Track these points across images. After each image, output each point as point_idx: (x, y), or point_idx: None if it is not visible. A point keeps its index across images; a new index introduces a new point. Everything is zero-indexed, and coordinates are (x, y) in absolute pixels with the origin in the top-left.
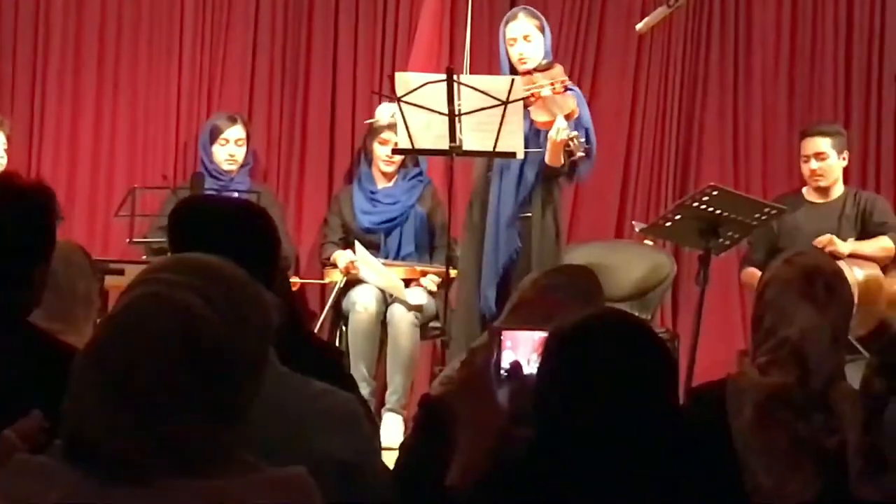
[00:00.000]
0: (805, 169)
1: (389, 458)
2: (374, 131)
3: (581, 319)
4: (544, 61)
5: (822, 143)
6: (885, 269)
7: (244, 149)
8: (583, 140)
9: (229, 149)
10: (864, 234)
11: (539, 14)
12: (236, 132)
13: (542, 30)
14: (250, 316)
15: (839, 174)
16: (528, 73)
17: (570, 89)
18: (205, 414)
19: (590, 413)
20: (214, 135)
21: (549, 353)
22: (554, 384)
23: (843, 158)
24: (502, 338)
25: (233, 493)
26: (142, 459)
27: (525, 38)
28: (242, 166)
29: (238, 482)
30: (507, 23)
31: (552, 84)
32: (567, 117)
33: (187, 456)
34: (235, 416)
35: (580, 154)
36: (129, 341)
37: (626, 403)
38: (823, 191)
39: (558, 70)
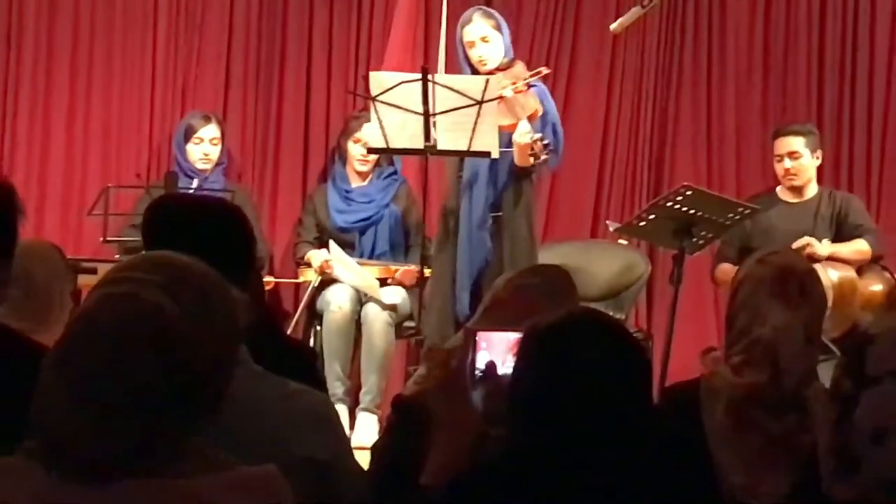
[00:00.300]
0: (779, 168)
1: (363, 458)
2: (348, 130)
3: (556, 319)
4: (505, 60)
5: (796, 143)
6: (859, 271)
7: (219, 148)
8: (546, 141)
9: (204, 147)
10: (840, 235)
11: (494, 13)
12: (211, 131)
13: (498, 29)
14: (219, 315)
15: (813, 173)
16: (490, 73)
17: (534, 85)
18: (174, 413)
19: (564, 412)
20: (189, 134)
21: (523, 352)
22: (528, 384)
23: (817, 157)
24: (477, 339)
25: (203, 491)
26: (111, 460)
27: (483, 39)
28: (217, 165)
29: (209, 480)
30: (462, 26)
31: (514, 83)
32: (530, 118)
33: (157, 455)
34: (205, 415)
35: (544, 157)
36: (97, 341)
37: (601, 403)
38: (797, 190)
39: (520, 68)
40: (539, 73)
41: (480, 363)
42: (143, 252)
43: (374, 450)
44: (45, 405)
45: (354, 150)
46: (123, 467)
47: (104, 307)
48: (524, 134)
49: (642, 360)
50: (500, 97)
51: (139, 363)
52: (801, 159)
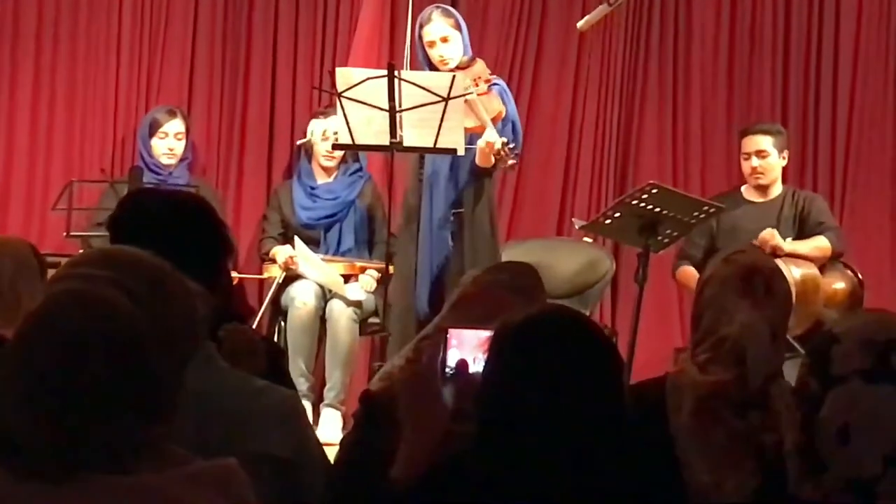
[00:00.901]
0: (745, 167)
1: (328, 454)
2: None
3: (528, 316)
4: (465, 58)
5: (764, 141)
6: (822, 269)
7: (183, 142)
8: (513, 145)
9: (168, 142)
10: (802, 234)
11: (453, 11)
12: (175, 126)
13: (458, 27)
14: (174, 307)
15: (779, 173)
16: (451, 72)
17: (495, 84)
18: (129, 409)
19: (534, 410)
20: (153, 128)
21: (495, 349)
22: (499, 380)
23: (784, 157)
24: (448, 336)
25: (162, 486)
26: (65, 457)
27: (442, 39)
28: (182, 160)
29: (167, 476)
30: (422, 26)
31: (476, 83)
32: (494, 120)
33: (112, 452)
34: (161, 410)
35: (511, 161)
36: (50, 339)
37: (572, 401)
38: (763, 190)
39: (480, 66)
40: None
41: (451, 360)
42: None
43: (342, 444)
44: (0, 405)
45: (320, 147)
46: (78, 465)
47: (55, 305)
48: (492, 138)
49: (615, 358)
50: (464, 101)
51: (93, 360)
52: (768, 158)
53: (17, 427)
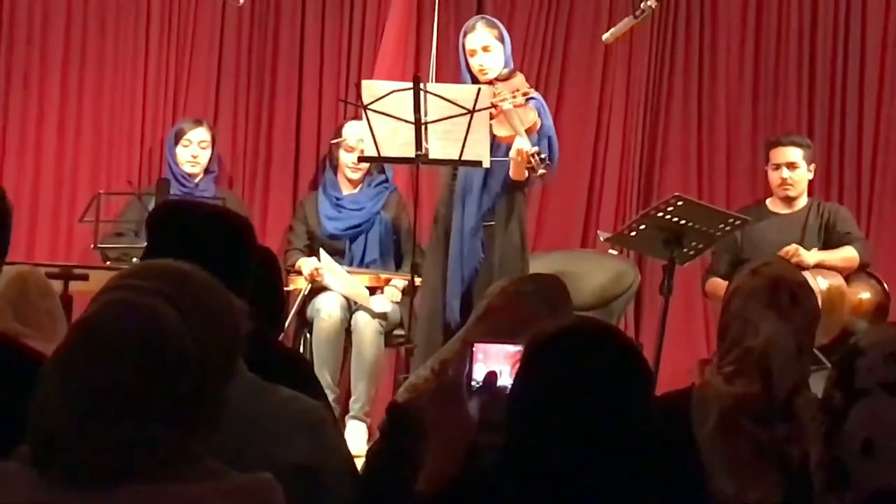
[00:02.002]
0: (775, 177)
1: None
2: (339, 137)
3: (559, 328)
4: (505, 70)
5: (795, 154)
6: (847, 279)
7: (208, 152)
8: (545, 155)
9: (192, 150)
10: (828, 244)
11: (498, 23)
12: (199, 134)
13: (501, 39)
14: (219, 323)
15: (806, 185)
16: (490, 83)
17: (532, 98)
18: (171, 421)
19: (564, 421)
20: (178, 136)
21: (526, 361)
22: (530, 392)
23: (811, 171)
24: (475, 350)
25: (200, 499)
26: (107, 465)
27: (484, 49)
28: (208, 173)
29: (204, 488)
30: (465, 34)
31: (513, 95)
32: (528, 131)
33: (153, 462)
34: (203, 423)
35: (542, 171)
36: (96, 348)
37: (601, 412)
38: (788, 202)
39: (519, 79)
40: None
41: (477, 374)
42: (144, 260)
43: (369, 455)
44: (44, 411)
45: (346, 158)
46: (121, 473)
47: (103, 314)
48: (523, 150)
49: (645, 370)
50: (500, 109)
51: (137, 370)
52: (798, 170)
53: (59, 433)
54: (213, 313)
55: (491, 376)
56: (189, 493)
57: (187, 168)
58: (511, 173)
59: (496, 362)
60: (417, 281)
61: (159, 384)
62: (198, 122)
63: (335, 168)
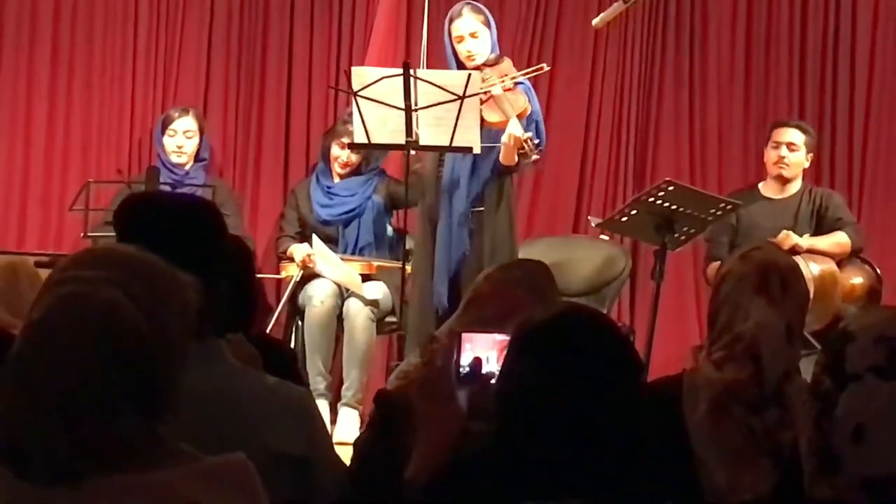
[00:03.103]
0: (772, 155)
1: (345, 453)
2: (334, 132)
3: (547, 315)
4: (492, 56)
5: (798, 136)
6: (840, 264)
7: (194, 141)
8: (536, 141)
9: (177, 140)
10: (820, 230)
11: (483, 8)
12: (185, 123)
13: (487, 24)
14: (170, 300)
15: (800, 171)
16: (478, 69)
17: (520, 83)
18: (135, 409)
19: (551, 407)
20: (165, 126)
21: (514, 348)
22: (518, 379)
23: (808, 160)
24: (462, 339)
25: (172, 483)
26: (75, 459)
27: (472, 34)
28: (198, 161)
29: (175, 473)
30: (451, 20)
31: (502, 80)
32: (519, 116)
33: (122, 451)
34: (165, 406)
35: (535, 157)
36: (51, 343)
37: (589, 399)
38: (781, 186)
39: (507, 64)
40: (540, 68)
41: (465, 363)
42: (86, 248)
43: (357, 444)
44: (6, 410)
45: (336, 152)
46: (85, 466)
47: (55, 309)
48: (514, 136)
49: (632, 357)
50: (489, 94)
51: (94, 362)
52: (797, 153)
53: (23, 432)
54: (162, 293)
55: (476, 362)
56: (161, 478)
57: (173, 158)
58: (501, 158)
59: (483, 351)
60: (409, 269)
61: (119, 375)
62: (185, 111)
63: (327, 158)
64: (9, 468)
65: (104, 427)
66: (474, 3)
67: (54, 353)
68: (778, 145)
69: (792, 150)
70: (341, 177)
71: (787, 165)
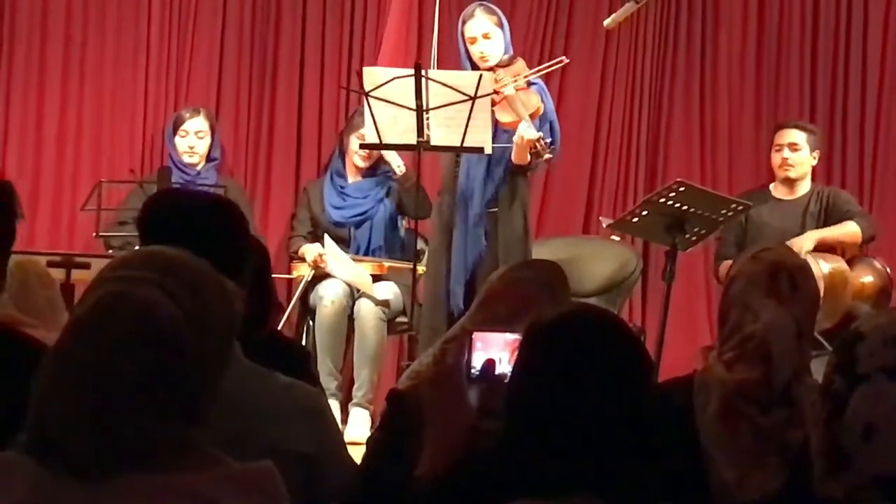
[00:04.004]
0: (776, 158)
1: (356, 453)
2: (351, 126)
3: (558, 315)
4: (505, 57)
5: (798, 135)
6: (850, 262)
7: (205, 141)
8: (549, 140)
9: (189, 140)
10: (829, 225)
11: (496, 9)
12: (196, 124)
13: (500, 25)
14: (213, 308)
15: (808, 170)
16: (491, 69)
17: (533, 83)
18: (170, 411)
19: (562, 407)
20: (176, 126)
21: (525, 348)
22: (528, 379)
23: (814, 157)
24: (473, 339)
25: (198, 488)
26: (107, 456)
27: (484, 35)
28: (210, 160)
29: (203, 477)
30: (464, 22)
31: (515, 80)
32: (532, 116)
33: (153, 451)
34: (199, 411)
35: (547, 156)
36: (92, 341)
37: (600, 398)
38: (790, 186)
39: (521, 64)
40: (561, 61)
41: (476, 362)
42: (136, 248)
43: (369, 443)
44: (41, 402)
45: (355, 145)
46: (117, 464)
47: (98, 308)
48: (526, 136)
49: (643, 357)
50: (502, 95)
51: (133, 362)
52: (799, 152)
53: (58, 426)
54: (206, 299)
55: (489, 364)
56: (188, 482)
57: (185, 158)
58: (514, 157)
59: (495, 350)
60: (420, 269)
61: (157, 377)
62: (196, 112)
63: (343, 156)
64: (37, 459)
65: (134, 426)
66: (487, 4)
67: (91, 349)
68: (780, 147)
69: (794, 150)
70: (360, 170)
71: (792, 166)
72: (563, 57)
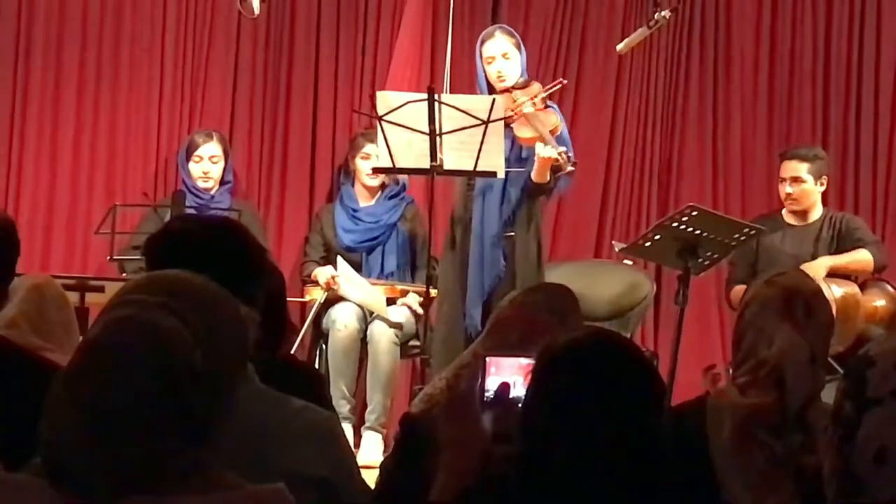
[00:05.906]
0: (781, 191)
1: (369, 477)
2: (354, 147)
3: (570, 340)
4: (521, 79)
5: (799, 168)
6: (862, 286)
7: (219, 166)
8: (570, 154)
9: (203, 166)
10: (840, 251)
11: (515, 32)
12: (210, 149)
13: (518, 47)
14: (225, 332)
15: (816, 198)
16: (507, 90)
17: (549, 106)
18: (182, 435)
19: (575, 432)
20: (189, 152)
21: (538, 372)
22: (542, 404)
23: (821, 184)
24: (487, 363)
25: None
26: (117, 479)
27: (503, 56)
28: (223, 184)
29: (214, 499)
30: (483, 42)
31: (532, 100)
32: (551, 132)
33: (163, 474)
34: (210, 434)
35: (570, 168)
36: (105, 368)
37: (612, 423)
38: (801, 214)
39: (536, 87)
40: (560, 82)
41: (490, 387)
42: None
43: (382, 467)
44: (54, 425)
45: (362, 166)
46: (129, 485)
47: (110, 332)
48: (547, 150)
49: (656, 381)
50: (520, 112)
51: (145, 386)
52: (803, 185)
53: (70, 448)
54: (220, 324)
55: (504, 388)
56: (197, 503)
57: (200, 183)
58: (534, 175)
59: (509, 374)
60: (433, 293)
61: (169, 401)
62: (209, 136)
63: (352, 179)
64: (48, 482)
65: (143, 448)
66: (507, 26)
67: (103, 372)
68: (784, 181)
69: (797, 184)
70: (370, 191)
71: (796, 200)
72: (562, 79)
